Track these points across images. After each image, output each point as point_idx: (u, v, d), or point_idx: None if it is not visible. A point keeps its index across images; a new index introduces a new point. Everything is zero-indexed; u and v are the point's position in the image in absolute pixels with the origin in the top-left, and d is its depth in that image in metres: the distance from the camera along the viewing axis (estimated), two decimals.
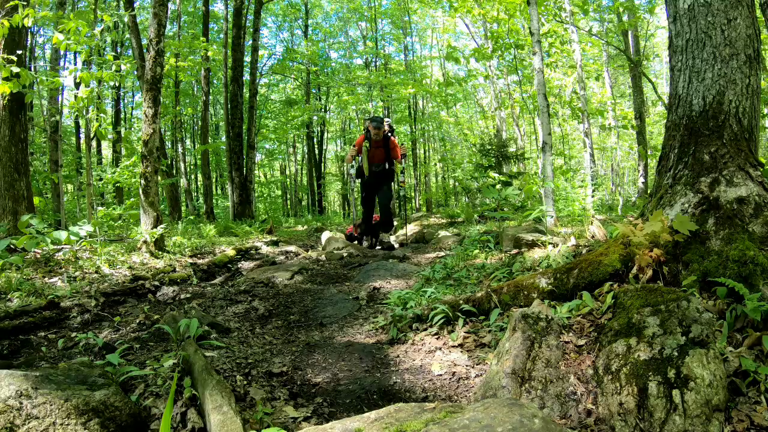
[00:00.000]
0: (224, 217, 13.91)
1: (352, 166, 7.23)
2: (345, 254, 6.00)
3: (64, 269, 4.32)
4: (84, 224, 4.90)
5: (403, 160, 7.09)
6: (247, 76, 13.15)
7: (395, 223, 12.30)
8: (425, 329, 2.64)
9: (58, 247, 4.78)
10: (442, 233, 7.48)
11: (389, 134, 6.95)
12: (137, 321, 3.09)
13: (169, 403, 0.65)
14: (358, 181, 7.36)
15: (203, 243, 6.72)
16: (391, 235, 9.26)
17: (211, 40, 13.73)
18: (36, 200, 6.57)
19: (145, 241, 5.27)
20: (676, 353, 1.51)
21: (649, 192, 2.94)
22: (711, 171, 2.40)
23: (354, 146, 7.28)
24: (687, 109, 2.58)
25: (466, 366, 2.16)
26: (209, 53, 13.11)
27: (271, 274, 4.52)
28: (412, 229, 9.47)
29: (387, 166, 7.02)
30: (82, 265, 4.49)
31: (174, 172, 15.40)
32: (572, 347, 1.92)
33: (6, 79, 4.78)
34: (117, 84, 13.58)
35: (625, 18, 10.60)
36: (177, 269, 4.76)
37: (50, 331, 2.90)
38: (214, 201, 15.19)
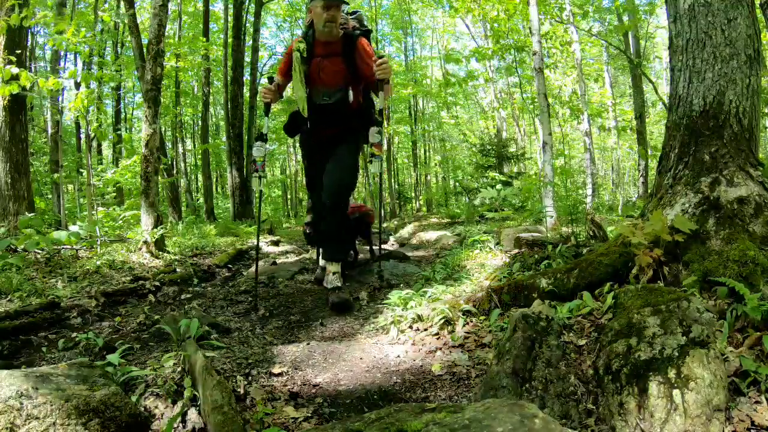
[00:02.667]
0: (224, 217, 13.92)
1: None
2: None
3: (64, 269, 4.32)
4: (84, 224, 4.91)
5: (384, 92, 3.36)
6: (247, 76, 13.16)
7: (394, 223, 12.09)
8: (425, 329, 2.64)
9: (59, 247, 4.78)
10: (443, 233, 7.49)
11: (357, 33, 3.46)
12: (138, 321, 3.09)
13: (178, 410, 0.65)
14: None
15: (203, 243, 6.72)
16: (388, 241, 8.36)
17: (211, 40, 13.73)
18: (36, 200, 6.58)
19: (145, 242, 5.27)
20: (676, 353, 1.51)
21: (649, 192, 2.94)
22: (711, 171, 2.40)
23: (279, 68, 3.71)
24: (687, 109, 2.58)
25: (467, 366, 2.16)
26: (209, 53, 13.12)
27: (271, 274, 4.52)
28: (412, 229, 9.47)
29: (349, 97, 3.50)
30: (83, 266, 4.49)
31: (174, 172, 15.40)
32: (573, 347, 1.92)
33: (6, 81, 4.80)
34: (117, 84, 13.61)
35: (625, 19, 10.60)
36: (177, 269, 4.76)
37: (50, 332, 2.90)
38: (214, 201, 15.19)
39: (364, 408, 1.88)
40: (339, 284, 3.56)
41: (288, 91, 4.27)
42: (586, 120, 11.68)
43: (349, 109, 3.57)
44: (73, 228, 4.67)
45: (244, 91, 12.81)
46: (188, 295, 3.89)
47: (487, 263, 3.99)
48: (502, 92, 15.81)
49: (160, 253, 5.33)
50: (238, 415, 1.55)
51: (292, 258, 6.07)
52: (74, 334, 2.78)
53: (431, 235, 7.58)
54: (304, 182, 3.97)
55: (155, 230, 5.29)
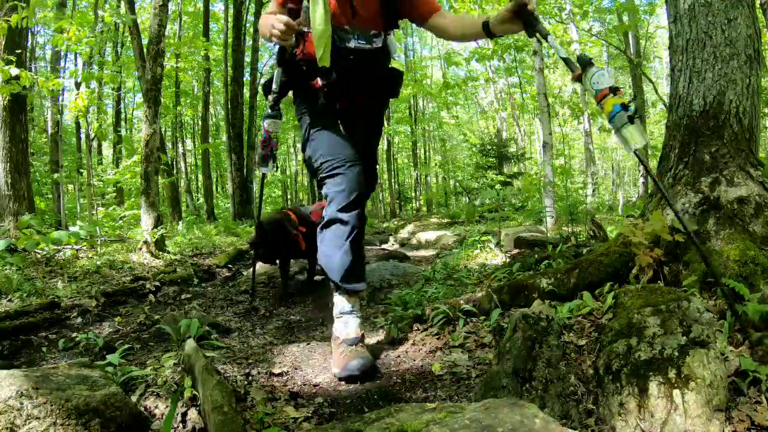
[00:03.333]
0: (225, 217, 13.92)
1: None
2: None
3: (64, 269, 4.32)
4: (85, 225, 4.91)
5: None
6: (247, 77, 13.17)
7: (394, 223, 12.10)
8: (426, 329, 2.64)
9: (59, 247, 4.78)
10: (443, 233, 7.49)
11: None
12: (138, 321, 3.10)
13: (172, 406, 0.65)
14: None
15: (204, 243, 6.72)
16: (388, 241, 8.38)
17: (211, 40, 13.73)
18: (36, 200, 6.57)
19: (145, 242, 5.27)
20: (676, 353, 1.51)
21: (649, 192, 2.94)
22: (711, 171, 2.40)
23: None
24: (687, 109, 2.58)
25: (467, 366, 2.16)
26: (209, 53, 13.13)
27: (271, 274, 4.52)
28: (412, 229, 9.47)
29: (391, 47, 2.43)
30: (83, 266, 4.49)
31: (174, 172, 15.41)
32: (573, 347, 1.92)
33: (6, 81, 4.80)
34: (117, 85, 13.62)
35: (625, 19, 10.60)
36: (177, 269, 4.76)
37: (51, 332, 2.90)
38: (214, 201, 15.19)
39: (364, 408, 1.88)
40: (361, 333, 2.30)
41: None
42: (586, 120, 11.67)
43: (386, 64, 2.47)
44: (72, 229, 4.66)
45: (244, 91, 12.82)
46: (188, 295, 3.89)
47: (487, 263, 3.99)
48: (502, 92, 15.83)
49: (160, 253, 5.34)
50: (238, 415, 1.55)
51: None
52: (74, 334, 2.78)
53: (431, 235, 7.58)
54: (320, 170, 2.29)
55: (155, 230, 5.29)
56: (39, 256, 4.59)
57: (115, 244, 5.66)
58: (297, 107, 2.51)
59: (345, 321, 2.29)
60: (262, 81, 2.73)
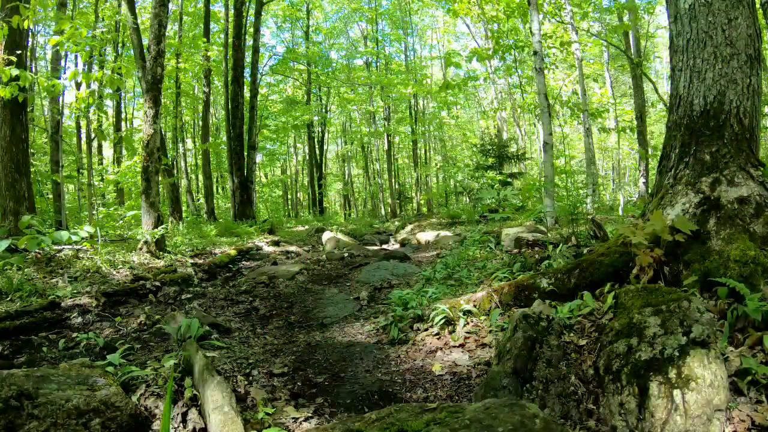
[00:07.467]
0: (225, 217, 13.91)
1: None
2: (346, 254, 6.00)
3: (65, 269, 4.32)
4: (85, 225, 4.90)
5: None
6: (247, 77, 13.17)
7: (395, 223, 12.18)
8: (426, 329, 2.64)
9: (59, 247, 4.78)
10: (443, 233, 7.48)
11: None
12: (138, 321, 3.09)
13: (167, 404, 0.66)
14: None
15: (204, 243, 6.72)
16: (388, 241, 8.78)
17: (211, 41, 13.72)
18: (37, 200, 6.57)
19: (146, 242, 5.27)
20: (677, 353, 1.51)
21: (650, 192, 2.93)
22: (712, 171, 2.40)
23: None
24: (688, 108, 2.58)
25: (467, 366, 2.15)
26: (210, 54, 13.12)
27: (272, 275, 4.52)
28: (412, 229, 9.47)
29: None
30: (83, 266, 4.49)
31: (175, 172, 15.40)
32: (573, 347, 1.92)
33: (7, 83, 4.79)
34: (116, 88, 13.59)
35: (626, 18, 10.57)
36: (178, 269, 4.76)
37: (51, 332, 2.90)
38: (214, 201, 15.18)
39: (365, 408, 1.88)
40: None
41: None
42: (587, 118, 11.65)
43: None
44: (73, 228, 4.66)
45: (245, 91, 12.81)
46: (189, 295, 3.89)
47: (487, 263, 3.99)
48: (501, 92, 15.84)
49: (161, 252, 5.33)
50: (239, 415, 1.55)
51: (292, 258, 6.07)
52: (75, 334, 2.78)
53: (431, 236, 7.58)
54: None
55: (156, 230, 5.29)
56: (40, 256, 4.58)
57: (116, 244, 5.66)
58: None
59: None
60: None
